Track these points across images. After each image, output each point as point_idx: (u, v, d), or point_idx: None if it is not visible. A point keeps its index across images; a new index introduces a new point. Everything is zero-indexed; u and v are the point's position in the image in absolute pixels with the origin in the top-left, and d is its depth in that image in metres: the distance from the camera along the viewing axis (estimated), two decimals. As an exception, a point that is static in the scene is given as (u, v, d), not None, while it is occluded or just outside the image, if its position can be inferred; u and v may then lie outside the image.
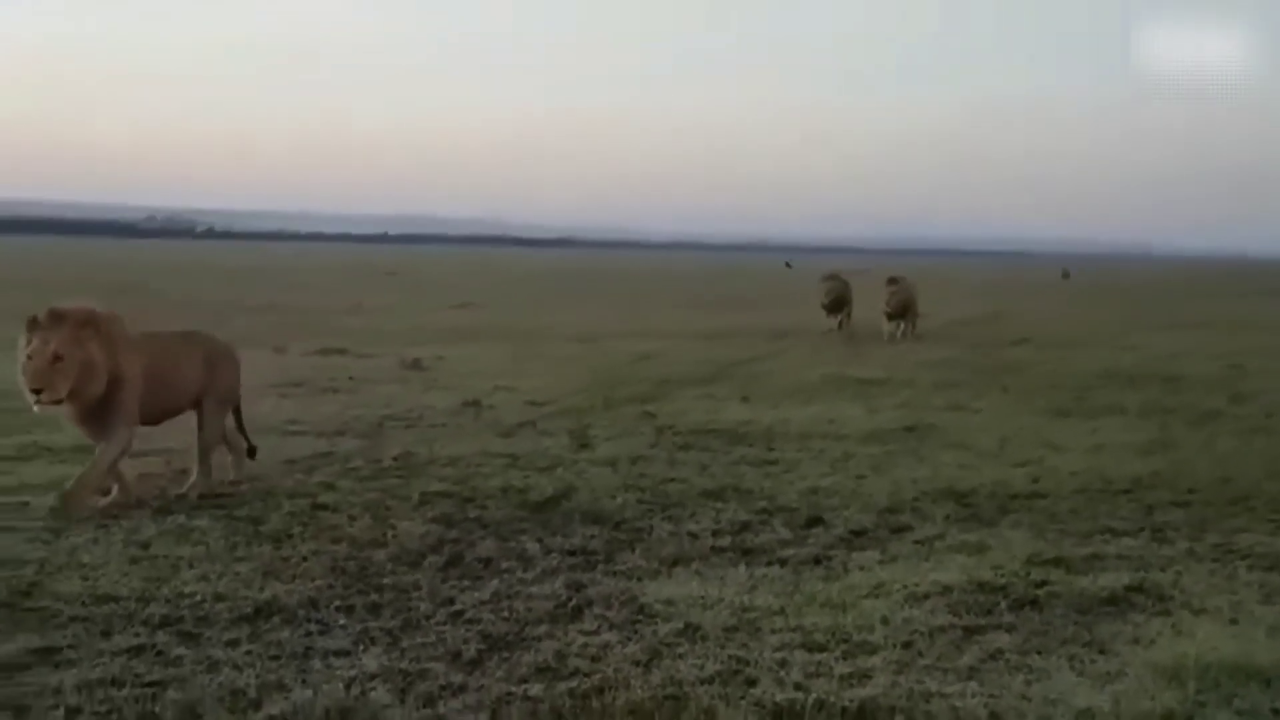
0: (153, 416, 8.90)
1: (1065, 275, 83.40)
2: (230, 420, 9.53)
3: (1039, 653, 5.58)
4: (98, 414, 8.24)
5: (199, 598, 6.22)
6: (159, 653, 5.43)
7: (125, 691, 4.94)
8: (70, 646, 5.49)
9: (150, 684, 5.03)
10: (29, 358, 7.82)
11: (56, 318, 7.94)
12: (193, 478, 8.90)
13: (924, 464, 10.36)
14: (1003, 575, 6.75)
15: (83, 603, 6.11)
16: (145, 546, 7.25)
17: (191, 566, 6.80)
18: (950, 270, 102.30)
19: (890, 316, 25.08)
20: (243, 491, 8.82)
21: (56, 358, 7.81)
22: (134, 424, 8.51)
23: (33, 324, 7.92)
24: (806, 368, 18.68)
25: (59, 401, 7.92)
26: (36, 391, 7.79)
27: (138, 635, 5.65)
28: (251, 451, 9.60)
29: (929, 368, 18.88)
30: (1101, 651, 5.62)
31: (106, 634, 5.67)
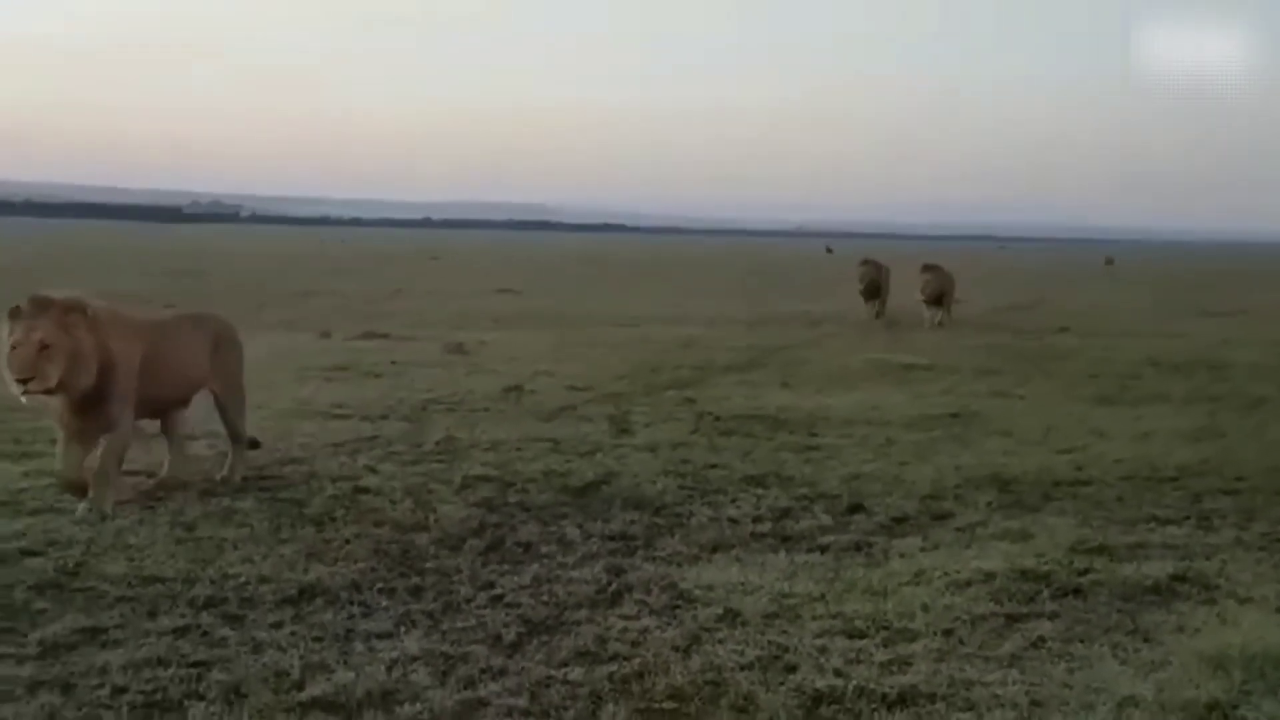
0: (154, 408, 8.61)
1: (1109, 262, 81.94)
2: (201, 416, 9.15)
3: (1082, 641, 5.55)
4: (94, 406, 7.85)
5: (243, 579, 6.28)
6: (204, 633, 5.49)
7: (170, 671, 4.99)
8: (117, 626, 5.55)
9: (195, 664, 5.08)
10: (13, 347, 7.39)
11: (41, 306, 7.53)
12: (230, 459, 8.92)
13: (967, 450, 10.30)
14: (1046, 563, 6.70)
15: (129, 583, 6.18)
16: (190, 528, 7.32)
17: (236, 548, 6.86)
18: (991, 256, 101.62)
19: (927, 304, 24.86)
20: (286, 474, 8.88)
21: (43, 345, 7.39)
22: (133, 411, 8.21)
23: (15, 313, 7.50)
24: (848, 353, 18.60)
25: (50, 391, 7.54)
26: (24, 381, 7.36)
27: (183, 616, 5.71)
28: (253, 444, 9.25)
29: (972, 354, 18.76)
30: (1146, 640, 5.57)
31: (152, 614, 5.73)
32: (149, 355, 8.23)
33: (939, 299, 24.88)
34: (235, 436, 9.01)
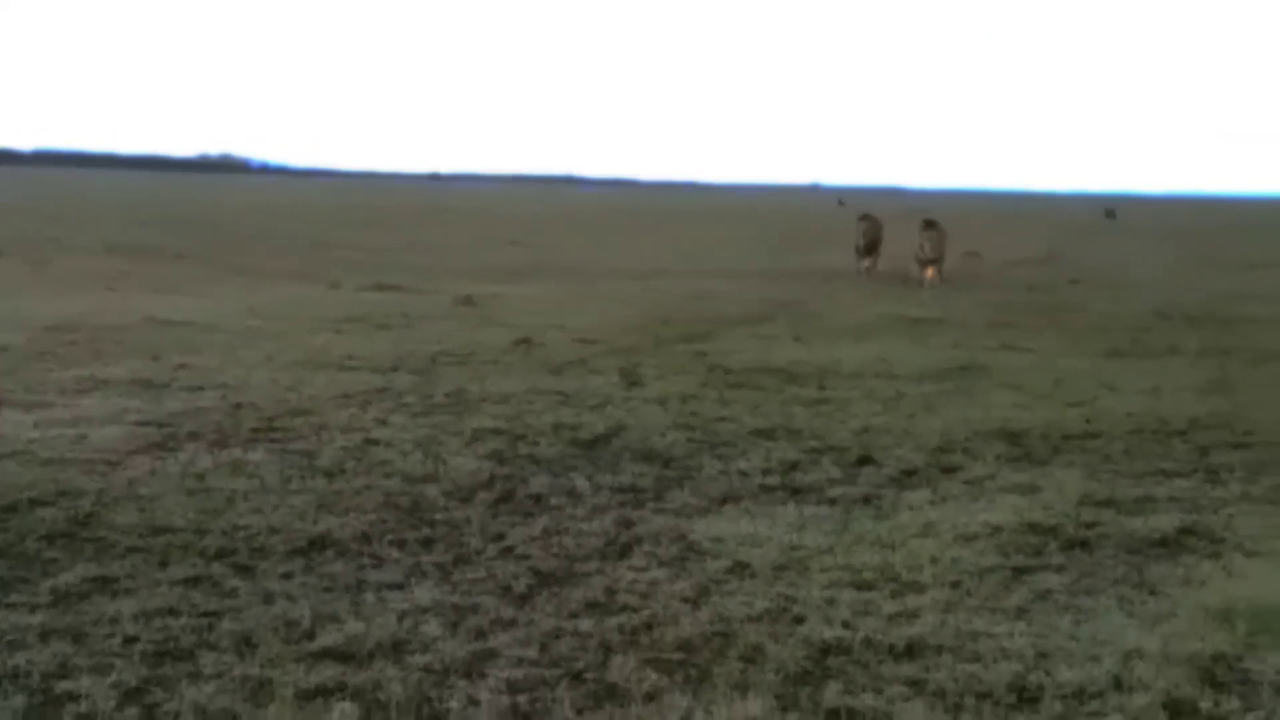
0: None
1: (1109, 214, 75.49)
2: None
3: (1088, 593, 5.57)
4: None
5: (254, 530, 6.31)
6: (215, 583, 5.52)
7: (182, 621, 5.02)
8: (128, 576, 5.58)
9: (206, 614, 5.12)
10: None
11: None
12: None
13: (976, 404, 10.30)
14: (1053, 516, 6.72)
15: (140, 533, 6.21)
16: (201, 479, 7.34)
17: (246, 499, 6.89)
18: (988, 209, 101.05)
19: (924, 262, 23.76)
20: (296, 426, 8.89)
21: None
22: None
23: None
24: (861, 307, 18.59)
25: None
26: None
27: (194, 566, 5.74)
28: None
29: (983, 308, 18.74)
30: (1152, 593, 5.59)
31: (163, 564, 5.76)
32: None
33: (937, 257, 23.78)
34: None
